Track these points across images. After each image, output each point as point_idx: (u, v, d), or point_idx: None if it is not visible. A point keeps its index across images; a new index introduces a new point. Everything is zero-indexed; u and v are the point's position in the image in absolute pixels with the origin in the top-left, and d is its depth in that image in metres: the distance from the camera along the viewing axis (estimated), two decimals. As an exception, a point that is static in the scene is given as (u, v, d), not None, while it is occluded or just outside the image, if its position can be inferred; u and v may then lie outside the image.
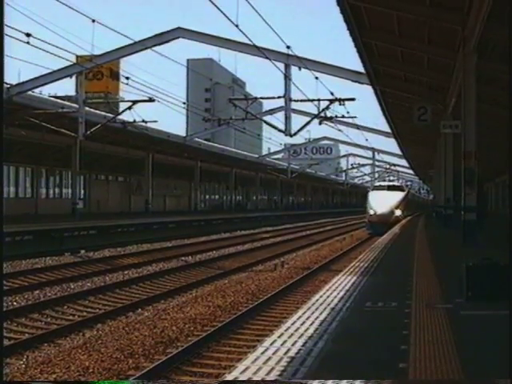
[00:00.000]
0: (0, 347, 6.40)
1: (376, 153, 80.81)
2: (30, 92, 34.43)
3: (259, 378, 5.01)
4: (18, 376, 9.39)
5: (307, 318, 7.55)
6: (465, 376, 5.14)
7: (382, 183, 57.87)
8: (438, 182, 44.04)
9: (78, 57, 38.14)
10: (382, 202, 44.38)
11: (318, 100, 34.22)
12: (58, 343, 11.72)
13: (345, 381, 4.65)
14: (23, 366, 10.03)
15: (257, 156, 76.72)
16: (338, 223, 63.91)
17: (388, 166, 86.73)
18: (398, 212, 45.27)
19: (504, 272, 8.70)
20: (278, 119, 41.08)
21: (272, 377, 5.04)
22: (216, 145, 68.68)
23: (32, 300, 16.08)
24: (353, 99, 34.03)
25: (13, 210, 39.88)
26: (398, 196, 47.40)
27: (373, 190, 51.25)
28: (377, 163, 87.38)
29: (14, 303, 15.62)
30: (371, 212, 44.33)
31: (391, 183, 58.12)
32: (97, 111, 41.84)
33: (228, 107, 44.37)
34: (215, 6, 19.04)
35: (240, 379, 5.00)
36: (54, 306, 15.21)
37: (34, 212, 44.87)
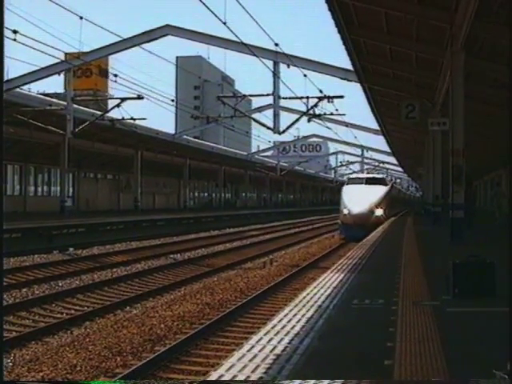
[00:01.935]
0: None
1: (365, 150, 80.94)
2: (17, 89, 34.34)
3: (244, 376, 5.02)
4: (6, 375, 9.36)
5: (294, 316, 7.56)
6: (450, 374, 5.15)
7: (360, 175, 48.06)
8: (426, 180, 44.04)
9: (66, 54, 38.08)
10: (358, 198, 35.94)
11: (307, 97, 34.28)
12: (46, 341, 11.69)
13: (326, 381, 4.66)
14: (10, 364, 10.01)
15: (246, 153, 76.73)
16: (327, 220, 63.84)
17: (377, 164, 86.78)
18: (378, 211, 36.31)
19: (490, 269, 8.73)
20: (266, 117, 41.18)
21: (257, 374, 5.05)
22: (205, 142, 68.70)
23: (20, 298, 16.03)
24: (341, 97, 34.14)
25: (1, 207, 39.71)
26: (379, 191, 38.20)
27: (348, 183, 41.32)
28: (366, 160, 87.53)
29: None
30: (345, 211, 35.73)
31: (370, 175, 47.04)
32: (85, 109, 41.77)
33: (217, 105, 44.41)
34: (203, 3, 19.03)
35: (225, 377, 5.01)
36: (41, 304, 15.15)
37: (22, 210, 44.76)
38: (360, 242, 21.51)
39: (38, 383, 8.45)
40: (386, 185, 41.09)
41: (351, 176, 50.37)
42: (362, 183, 39.06)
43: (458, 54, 18.60)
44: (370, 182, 39.46)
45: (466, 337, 6.65)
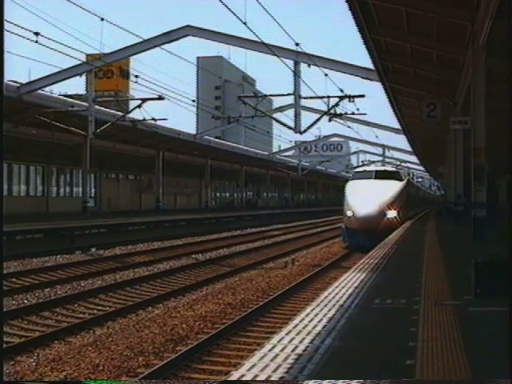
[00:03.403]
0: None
1: (386, 149, 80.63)
2: (40, 91, 34.57)
3: (266, 376, 5.02)
4: (29, 374, 9.44)
5: (315, 315, 7.55)
6: (472, 373, 5.14)
7: (367, 168, 39.00)
8: (448, 179, 43.75)
9: (87, 55, 38.32)
10: (366, 196, 29.30)
11: (328, 97, 34.25)
12: (69, 341, 11.77)
13: (341, 381, 4.66)
14: (34, 363, 10.08)
15: (267, 153, 76.72)
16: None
17: (399, 163, 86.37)
18: (391, 213, 29.34)
19: (513, 268, 8.68)
20: (287, 116, 41.13)
21: (279, 374, 5.06)
22: (226, 142, 68.77)
23: (43, 298, 16.15)
24: (362, 96, 34.04)
25: (24, 208, 40.09)
26: (393, 187, 30.91)
27: (353, 178, 33.76)
28: (387, 160, 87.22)
29: (25, 301, 15.69)
30: (349, 213, 29.16)
31: (381, 168, 38.96)
32: (107, 109, 41.96)
33: (238, 105, 44.41)
34: (223, 3, 19.07)
35: (247, 376, 5.01)
36: (64, 304, 15.26)
37: (44, 210, 45.02)
38: (368, 252, 16.60)
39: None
40: (400, 180, 33.25)
41: (357, 169, 41.59)
42: (370, 178, 31.86)
43: (479, 53, 18.49)
44: (381, 176, 32.13)
45: (488, 336, 6.62)
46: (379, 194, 29.56)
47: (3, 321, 11.48)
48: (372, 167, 39.20)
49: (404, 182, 33.56)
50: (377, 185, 30.47)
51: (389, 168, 40.20)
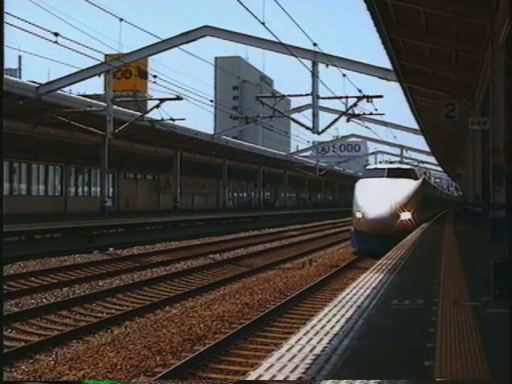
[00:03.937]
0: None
1: (404, 150, 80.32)
2: (59, 91, 34.71)
3: (284, 376, 5.02)
4: (47, 373, 9.48)
5: (333, 316, 7.54)
6: (490, 374, 5.12)
7: (379, 166, 34.88)
8: (466, 179, 43.51)
9: (106, 56, 38.46)
10: (377, 196, 27.02)
11: (346, 97, 34.05)
12: (87, 340, 11.82)
13: (358, 381, 4.65)
14: (52, 362, 10.13)
15: (285, 154, 76.67)
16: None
17: (417, 163, 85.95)
18: (405, 215, 26.98)
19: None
20: (305, 117, 41.07)
21: (297, 374, 5.05)
22: (244, 142, 68.78)
23: (61, 297, 16.23)
24: (380, 96, 33.84)
25: (42, 207, 40.29)
26: (407, 187, 28.51)
27: (364, 177, 31.57)
28: (405, 160, 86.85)
29: (44, 300, 15.77)
30: (358, 215, 26.87)
31: (394, 165, 34.55)
32: (125, 110, 42.05)
33: (256, 105, 44.38)
34: (241, 3, 19.08)
35: (264, 377, 5.01)
36: (82, 303, 15.34)
37: (63, 210, 45.20)
38: (380, 258, 15.05)
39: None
40: (415, 178, 30.74)
41: (369, 167, 38.14)
42: (382, 176, 29.26)
43: (498, 53, 18.41)
44: (394, 174, 29.63)
45: (506, 338, 6.58)
46: (392, 194, 27.30)
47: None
48: (384, 165, 34.84)
49: (419, 181, 31.36)
50: (390, 184, 28.13)
51: (403, 166, 37.16)
